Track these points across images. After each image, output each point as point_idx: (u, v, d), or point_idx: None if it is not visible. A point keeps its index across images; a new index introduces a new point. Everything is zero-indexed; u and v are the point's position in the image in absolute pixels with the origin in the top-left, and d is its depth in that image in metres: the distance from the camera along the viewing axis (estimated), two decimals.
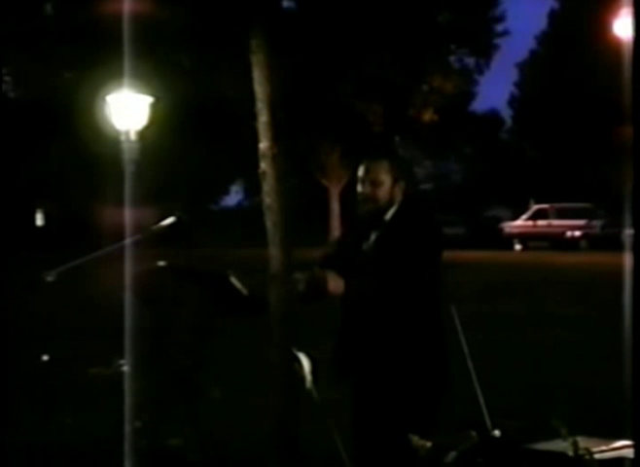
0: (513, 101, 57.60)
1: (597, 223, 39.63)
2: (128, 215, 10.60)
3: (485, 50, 46.22)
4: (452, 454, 3.54)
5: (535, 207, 42.39)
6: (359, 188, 4.77)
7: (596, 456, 3.57)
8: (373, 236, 4.72)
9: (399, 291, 4.53)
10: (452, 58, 45.65)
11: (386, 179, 4.70)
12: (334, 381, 4.72)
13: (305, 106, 35.79)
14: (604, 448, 3.85)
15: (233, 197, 70.49)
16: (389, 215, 4.72)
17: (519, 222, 42.14)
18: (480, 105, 74.13)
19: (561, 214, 40.43)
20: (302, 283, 4.59)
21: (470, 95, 52.68)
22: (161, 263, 4.91)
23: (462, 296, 13.29)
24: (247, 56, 6.85)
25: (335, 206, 43.95)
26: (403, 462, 4.35)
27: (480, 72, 47.13)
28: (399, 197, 4.73)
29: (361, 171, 4.76)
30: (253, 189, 48.70)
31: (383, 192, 4.70)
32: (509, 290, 20.41)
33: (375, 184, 4.70)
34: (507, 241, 41.18)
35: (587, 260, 30.58)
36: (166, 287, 4.90)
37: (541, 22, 78.65)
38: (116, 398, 4.86)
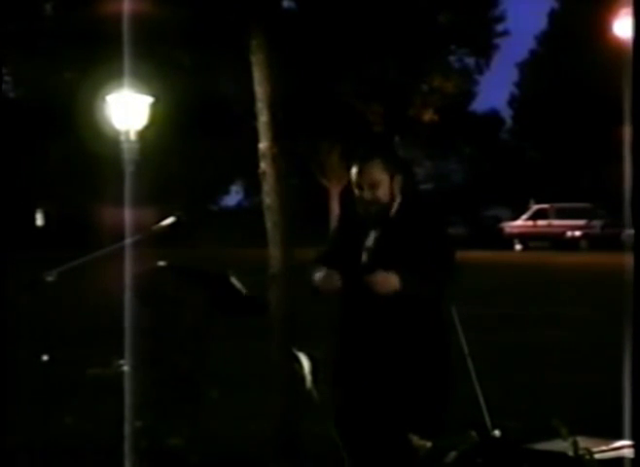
0: (513, 101, 57.58)
1: (597, 223, 39.65)
2: (128, 215, 10.59)
3: (485, 50, 46.26)
4: (452, 454, 3.54)
5: (535, 207, 42.39)
6: (356, 192, 4.64)
7: (596, 456, 3.56)
8: (374, 234, 4.63)
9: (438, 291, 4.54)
10: (452, 58, 45.72)
11: (384, 177, 4.59)
12: (332, 384, 4.69)
13: (305, 106, 35.78)
14: (604, 448, 3.85)
15: (233, 196, 70.29)
16: (392, 212, 4.62)
17: (519, 222, 42.13)
18: (479, 105, 74.15)
19: (561, 214, 40.45)
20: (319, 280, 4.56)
21: (470, 95, 52.65)
22: (161, 263, 4.90)
23: (462, 296, 13.27)
24: (247, 56, 6.84)
25: (335, 206, 43.92)
26: (403, 462, 4.35)
27: (480, 72, 47.21)
28: (398, 191, 4.63)
29: (355, 174, 4.62)
30: (253, 189, 48.69)
31: (383, 191, 4.59)
32: (509, 290, 20.39)
33: (374, 185, 4.57)
34: (507, 241, 41.17)
35: (588, 260, 30.57)
36: (166, 287, 4.91)
37: (541, 22, 78.81)
38: (116, 398, 4.86)
